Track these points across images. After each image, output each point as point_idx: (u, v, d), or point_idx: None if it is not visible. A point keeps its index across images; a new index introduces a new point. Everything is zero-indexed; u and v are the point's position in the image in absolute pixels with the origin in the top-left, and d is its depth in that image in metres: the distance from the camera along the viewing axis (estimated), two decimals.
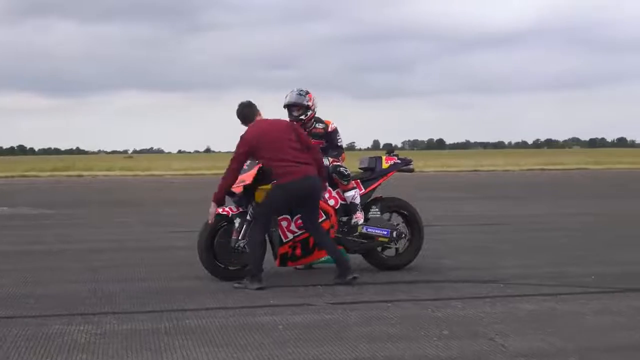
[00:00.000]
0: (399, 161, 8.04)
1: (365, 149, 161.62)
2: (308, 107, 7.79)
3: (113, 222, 13.48)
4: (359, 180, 7.86)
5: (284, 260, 7.54)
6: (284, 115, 7.79)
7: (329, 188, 7.66)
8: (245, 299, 6.58)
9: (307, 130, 7.80)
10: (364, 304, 6.32)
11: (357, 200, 7.68)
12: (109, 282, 7.42)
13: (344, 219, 7.73)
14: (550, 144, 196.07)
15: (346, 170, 7.67)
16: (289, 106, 7.80)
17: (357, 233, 7.71)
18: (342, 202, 7.69)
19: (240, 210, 7.39)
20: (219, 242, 7.37)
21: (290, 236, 7.44)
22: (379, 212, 7.86)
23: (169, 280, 7.50)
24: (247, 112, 7.35)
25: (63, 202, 18.58)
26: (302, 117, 7.78)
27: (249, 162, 7.44)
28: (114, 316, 5.95)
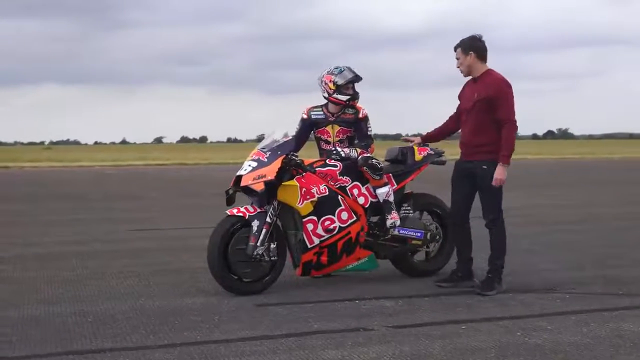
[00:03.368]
0: (432, 152, 6.51)
1: None
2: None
3: (66, 220, 11.42)
4: (390, 175, 6.31)
5: (307, 269, 5.96)
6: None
7: (358, 184, 6.11)
8: (277, 321, 4.98)
9: (336, 115, 6.21)
10: (431, 327, 4.82)
11: (392, 198, 6.13)
12: (95, 301, 5.65)
13: (375, 219, 6.20)
14: None
15: (379, 163, 6.10)
16: (345, 85, 6.14)
17: (389, 236, 6.19)
18: (373, 200, 6.14)
19: (259, 210, 5.77)
20: (233, 249, 5.72)
21: (317, 241, 5.87)
22: (411, 211, 6.36)
23: (169, 296, 5.80)
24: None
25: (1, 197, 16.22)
26: (358, 94, 6.24)
27: (268, 153, 5.82)
28: (124, 355, 4.26)
